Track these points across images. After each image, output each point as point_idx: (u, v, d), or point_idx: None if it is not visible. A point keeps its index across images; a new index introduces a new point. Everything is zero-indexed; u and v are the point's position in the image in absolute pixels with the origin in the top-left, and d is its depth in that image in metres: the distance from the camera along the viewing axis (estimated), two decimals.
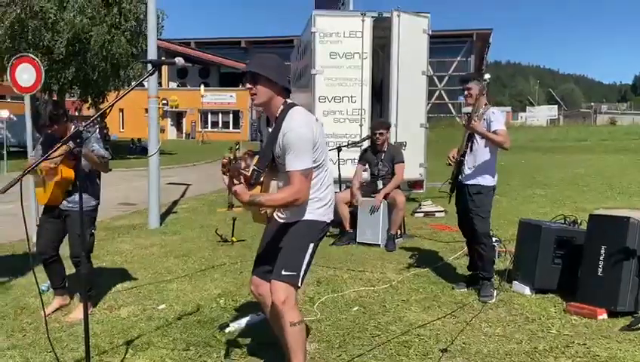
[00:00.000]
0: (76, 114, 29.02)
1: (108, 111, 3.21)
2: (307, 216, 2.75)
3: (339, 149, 7.14)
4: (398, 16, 8.55)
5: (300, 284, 2.71)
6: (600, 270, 3.96)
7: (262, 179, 2.74)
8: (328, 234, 6.83)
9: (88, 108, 24.84)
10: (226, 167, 2.59)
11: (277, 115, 2.71)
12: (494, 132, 4.30)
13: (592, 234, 4.12)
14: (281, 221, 2.83)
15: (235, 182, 2.64)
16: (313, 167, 2.66)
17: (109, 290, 4.73)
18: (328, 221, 2.82)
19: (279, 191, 2.74)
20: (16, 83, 6.35)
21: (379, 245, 6.39)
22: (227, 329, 3.73)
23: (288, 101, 2.76)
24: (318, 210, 2.77)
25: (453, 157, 4.58)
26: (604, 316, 3.84)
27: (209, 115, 43.53)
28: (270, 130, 2.77)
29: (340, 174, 7.13)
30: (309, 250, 2.74)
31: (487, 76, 4.47)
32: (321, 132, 2.74)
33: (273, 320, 2.89)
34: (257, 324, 3.74)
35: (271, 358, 3.22)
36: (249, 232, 6.77)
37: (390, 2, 8.78)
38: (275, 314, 2.76)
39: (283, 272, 2.67)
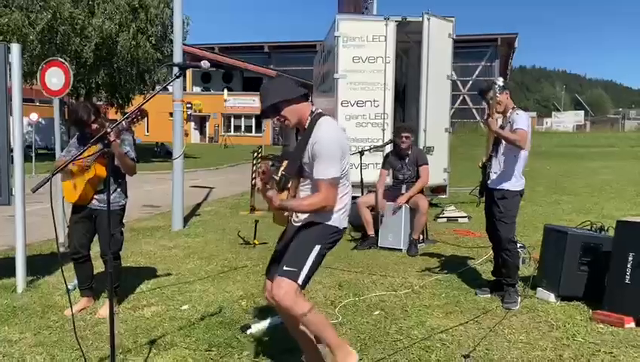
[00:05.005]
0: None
1: (139, 114, 3.28)
2: (319, 219, 2.79)
3: (361, 153, 7.14)
4: (429, 19, 8.50)
5: (300, 282, 2.71)
6: (627, 277, 3.88)
7: (289, 184, 2.81)
8: (350, 238, 6.92)
9: (115, 112, 25.26)
10: (265, 174, 2.70)
11: (306, 124, 2.79)
12: (514, 131, 4.27)
13: (619, 240, 4.04)
14: (297, 224, 2.87)
15: (268, 187, 2.72)
16: (340, 177, 2.73)
17: (133, 290, 4.80)
18: (341, 228, 2.84)
19: (308, 197, 2.79)
20: (46, 86, 6.50)
21: (401, 250, 6.36)
22: (249, 331, 3.76)
23: (315, 110, 2.83)
24: (331, 215, 2.80)
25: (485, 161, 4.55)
26: (632, 324, 3.77)
27: (232, 119, 43.87)
28: (299, 137, 2.85)
29: (362, 178, 7.12)
30: (315, 251, 2.75)
31: (500, 81, 4.40)
32: (347, 142, 2.81)
33: (287, 321, 2.92)
34: (279, 326, 3.75)
35: (291, 361, 3.23)
36: (271, 235, 6.79)
37: (412, 7, 8.78)
38: (286, 314, 2.78)
39: (284, 268, 2.72)
